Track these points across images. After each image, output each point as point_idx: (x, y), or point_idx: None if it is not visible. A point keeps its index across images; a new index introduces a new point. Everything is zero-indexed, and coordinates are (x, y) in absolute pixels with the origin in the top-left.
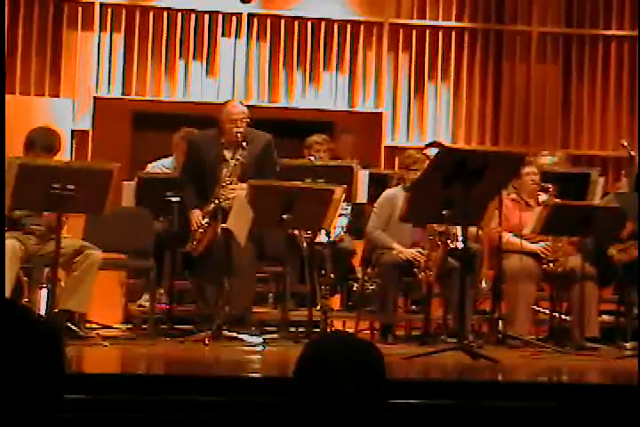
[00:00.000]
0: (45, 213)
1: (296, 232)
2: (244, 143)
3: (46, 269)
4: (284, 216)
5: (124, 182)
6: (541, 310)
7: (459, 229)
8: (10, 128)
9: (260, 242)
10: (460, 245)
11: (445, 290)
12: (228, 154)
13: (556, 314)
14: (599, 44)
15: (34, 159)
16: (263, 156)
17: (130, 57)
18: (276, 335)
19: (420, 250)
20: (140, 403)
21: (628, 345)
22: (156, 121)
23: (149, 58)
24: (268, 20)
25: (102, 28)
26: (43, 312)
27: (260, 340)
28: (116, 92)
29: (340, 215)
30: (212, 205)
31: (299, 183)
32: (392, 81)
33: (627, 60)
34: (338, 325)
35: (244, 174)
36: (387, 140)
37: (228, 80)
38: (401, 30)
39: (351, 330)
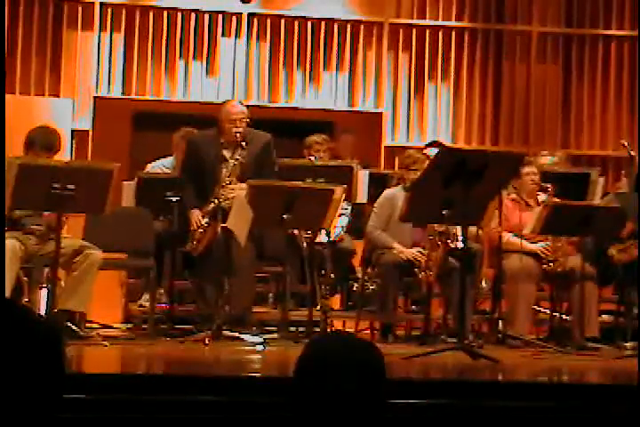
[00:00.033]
0: (45, 213)
1: (296, 232)
2: (244, 143)
3: (46, 269)
4: (284, 216)
5: (124, 182)
6: (541, 309)
7: (459, 229)
8: (10, 128)
9: (259, 242)
10: (460, 244)
11: (445, 290)
12: (227, 154)
13: (557, 314)
14: (599, 44)
15: (34, 159)
16: (262, 156)
17: (130, 57)
18: (276, 335)
19: (421, 250)
20: (139, 403)
21: (628, 345)
22: (156, 121)
23: (149, 58)
24: (268, 20)
25: (102, 27)
26: (43, 312)
27: (260, 340)
28: (116, 91)
29: (340, 215)
30: (212, 205)
31: (299, 183)
32: (392, 81)
33: (627, 60)
34: (338, 325)
35: (243, 174)
36: (387, 141)
37: (228, 80)
38: (401, 30)
39: (351, 330)
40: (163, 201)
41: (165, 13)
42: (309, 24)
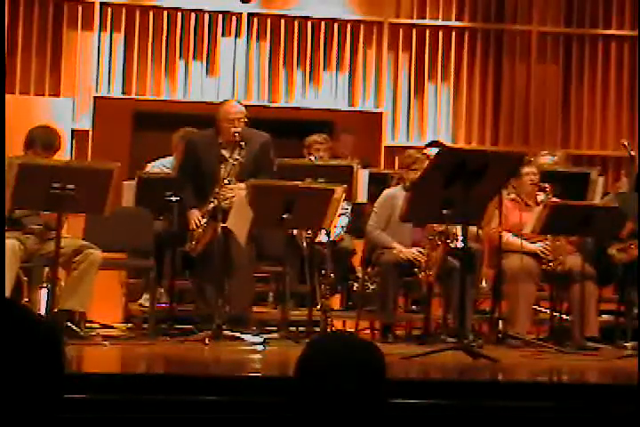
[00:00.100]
0: (43, 213)
1: (296, 232)
2: (243, 143)
3: (46, 269)
4: (284, 216)
5: (124, 182)
6: (541, 309)
7: (459, 229)
8: (10, 128)
9: (259, 242)
10: (459, 244)
11: (445, 290)
12: (226, 154)
13: (557, 314)
14: (599, 44)
15: (34, 159)
16: (261, 155)
17: (130, 57)
18: (276, 335)
19: (420, 250)
20: (139, 403)
21: (628, 345)
22: (156, 121)
23: (149, 58)
24: (268, 20)
25: (102, 27)
26: (43, 312)
27: (260, 340)
28: (116, 91)
29: (340, 215)
30: (211, 205)
31: (299, 183)
32: (392, 81)
33: (627, 60)
34: (338, 325)
35: (241, 174)
36: (387, 140)
37: (228, 80)
38: (401, 30)
39: (351, 330)
40: (163, 201)
41: (165, 13)
42: (309, 24)
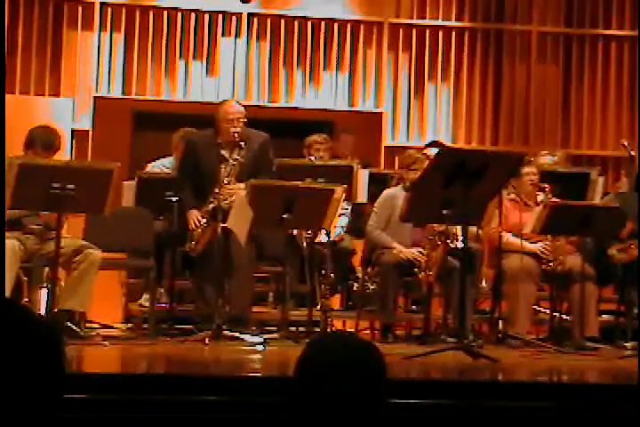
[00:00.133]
0: (42, 213)
1: (296, 232)
2: (242, 143)
3: (46, 269)
4: (284, 216)
5: (124, 182)
6: (541, 309)
7: (459, 229)
8: (10, 128)
9: (259, 242)
10: (459, 244)
11: (445, 290)
12: (225, 154)
13: (556, 314)
14: (599, 44)
15: (34, 159)
16: (260, 155)
17: (130, 57)
18: (276, 335)
19: (420, 250)
20: (139, 403)
21: (628, 345)
22: (156, 121)
23: (149, 58)
24: (268, 20)
25: (102, 27)
26: (43, 312)
27: (260, 340)
28: (116, 91)
29: (340, 215)
30: (211, 205)
31: (299, 183)
32: (392, 81)
33: (627, 60)
34: (338, 325)
35: (241, 174)
36: (387, 140)
37: (228, 80)
38: (401, 30)
39: (351, 330)
40: (163, 201)
41: (165, 13)
42: (309, 24)
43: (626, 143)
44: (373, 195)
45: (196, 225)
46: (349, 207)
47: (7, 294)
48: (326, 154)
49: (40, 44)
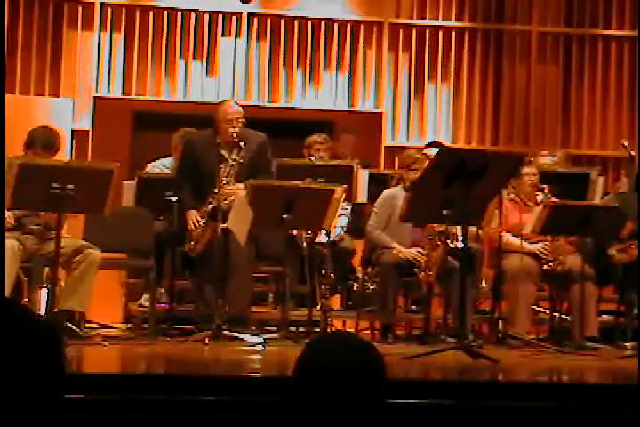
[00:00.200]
0: (42, 213)
1: (296, 232)
2: (242, 143)
3: (46, 269)
4: (284, 216)
5: (124, 182)
6: (541, 309)
7: (459, 229)
8: (10, 128)
9: (259, 242)
10: (459, 244)
11: (445, 290)
12: (225, 154)
13: (556, 314)
14: (599, 44)
15: (34, 159)
16: (258, 155)
17: (130, 57)
18: (276, 335)
19: (420, 250)
20: (139, 403)
21: (628, 345)
22: (156, 121)
23: (149, 58)
24: (268, 20)
25: (102, 27)
26: (43, 312)
27: (260, 340)
28: (116, 91)
29: (340, 215)
30: (211, 206)
31: (299, 183)
32: (392, 81)
33: (627, 60)
34: (338, 325)
35: (240, 174)
36: (387, 141)
37: (228, 80)
38: (401, 30)
39: (351, 330)
40: (163, 201)
41: (165, 13)
42: (309, 24)
43: (626, 143)
44: (373, 195)
45: (194, 225)
46: (349, 207)
47: (7, 294)
48: (326, 154)
49: (40, 44)
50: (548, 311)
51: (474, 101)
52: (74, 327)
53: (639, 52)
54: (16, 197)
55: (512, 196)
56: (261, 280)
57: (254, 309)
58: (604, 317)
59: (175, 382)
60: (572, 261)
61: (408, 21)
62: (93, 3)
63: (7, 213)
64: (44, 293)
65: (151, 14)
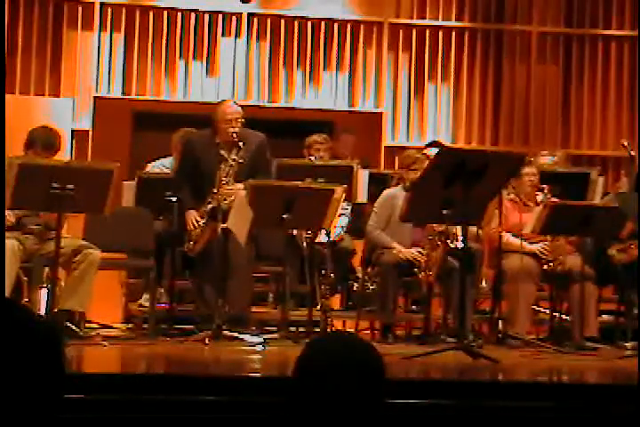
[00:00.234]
0: (42, 213)
1: (296, 232)
2: (241, 143)
3: (46, 269)
4: (284, 216)
5: (124, 182)
6: (541, 309)
7: (459, 229)
8: (10, 128)
9: (258, 242)
10: (459, 244)
11: (445, 290)
12: (224, 154)
13: (556, 314)
14: (599, 44)
15: (34, 159)
16: (257, 156)
17: (130, 57)
18: (276, 335)
19: (420, 250)
20: (139, 403)
21: (628, 345)
22: (156, 121)
23: (149, 58)
24: (268, 20)
25: (102, 27)
26: (43, 312)
27: (260, 340)
28: (116, 91)
29: (340, 215)
30: (210, 206)
31: (299, 183)
32: (392, 81)
33: (627, 60)
34: (338, 325)
35: (239, 174)
36: (387, 141)
37: (228, 80)
38: (401, 30)
39: (351, 330)
40: (163, 201)
41: (165, 13)
42: (309, 24)
43: (626, 143)
44: (373, 195)
45: (194, 225)
46: (349, 207)
47: (7, 294)
48: (326, 154)
49: (40, 44)
50: (548, 311)
51: (474, 101)
52: (74, 327)
53: (639, 52)
54: (16, 197)
55: (512, 196)
56: (261, 280)
57: (254, 309)
58: (604, 317)
59: (175, 382)
60: (571, 261)
61: (408, 21)
62: (93, 3)
63: (7, 212)
64: (44, 293)
65: (151, 14)
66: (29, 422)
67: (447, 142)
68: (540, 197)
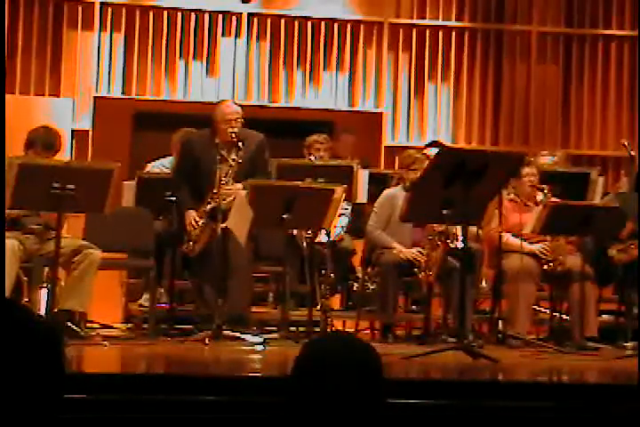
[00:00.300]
0: (43, 213)
1: (296, 232)
2: (240, 143)
3: (46, 269)
4: (284, 216)
5: (124, 182)
6: (541, 309)
7: (459, 229)
8: (10, 128)
9: (258, 242)
10: (460, 244)
11: (445, 290)
12: (223, 154)
13: (556, 314)
14: (599, 44)
15: (34, 159)
16: (256, 156)
17: (130, 57)
18: (276, 335)
19: (420, 250)
20: (139, 403)
21: (628, 345)
22: (156, 121)
23: (149, 58)
24: (268, 20)
25: (102, 27)
26: (43, 312)
27: (260, 340)
28: (116, 91)
29: (340, 215)
30: (209, 206)
31: (299, 183)
32: (392, 81)
33: (627, 60)
34: (338, 325)
35: (238, 175)
36: (387, 141)
37: (228, 80)
38: (401, 30)
39: (351, 330)
40: (163, 201)
41: (165, 13)
42: (309, 24)
43: (626, 143)
44: (373, 195)
45: (193, 226)
46: (349, 207)
47: (7, 294)
48: (326, 154)
49: (40, 45)
50: (548, 311)
51: (474, 101)
52: (74, 327)
53: (639, 52)
54: (16, 197)
55: (512, 196)
56: (261, 280)
57: (254, 309)
58: (604, 317)
59: (175, 382)
60: (571, 261)
61: (408, 21)
62: (93, 3)
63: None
64: (44, 293)
65: (151, 14)
66: (29, 422)
67: (447, 142)
68: (539, 197)
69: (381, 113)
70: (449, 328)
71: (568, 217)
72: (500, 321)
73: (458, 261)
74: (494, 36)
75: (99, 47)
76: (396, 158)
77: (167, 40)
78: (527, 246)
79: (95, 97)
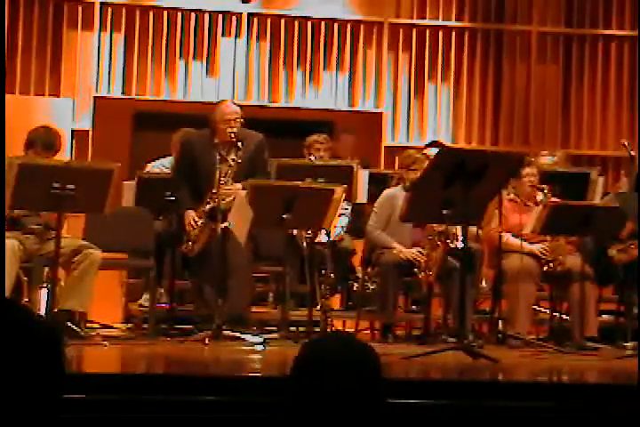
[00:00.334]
0: (43, 213)
1: (296, 232)
2: (240, 143)
3: (46, 269)
4: (284, 216)
5: (124, 182)
6: (541, 309)
7: (459, 229)
8: (10, 128)
9: (258, 242)
10: (459, 244)
11: (445, 290)
12: (223, 154)
13: (556, 314)
14: (599, 44)
15: (34, 159)
16: (256, 156)
17: (130, 57)
18: (276, 335)
19: (420, 250)
20: (140, 403)
21: (628, 345)
22: (156, 121)
23: (149, 58)
24: (268, 20)
25: (102, 27)
26: (43, 312)
27: (260, 340)
28: (116, 91)
29: (340, 215)
30: (209, 206)
31: (299, 183)
32: (392, 81)
33: (627, 60)
34: (338, 325)
35: (237, 175)
36: (387, 141)
37: (228, 80)
38: (401, 30)
39: (351, 330)
40: (163, 201)
41: (165, 13)
42: (309, 24)
43: (626, 143)
44: (373, 195)
45: (192, 226)
46: (349, 207)
47: (7, 294)
48: (326, 154)
49: (40, 45)
50: (548, 311)
51: (474, 101)
52: (74, 327)
53: (639, 52)
54: (16, 197)
55: (512, 196)
56: (261, 280)
57: (254, 309)
58: (604, 317)
59: (175, 382)
60: (571, 261)
61: (408, 21)
62: (93, 3)
63: None
64: (44, 293)
65: (151, 14)
66: (29, 422)
67: (447, 142)
68: (539, 197)
69: (381, 113)
70: (449, 328)
71: (568, 217)
72: (499, 321)
73: (458, 261)
74: (494, 36)
75: (99, 47)
76: (396, 158)
77: (167, 40)
78: (527, 246)
79: (95, 97)
